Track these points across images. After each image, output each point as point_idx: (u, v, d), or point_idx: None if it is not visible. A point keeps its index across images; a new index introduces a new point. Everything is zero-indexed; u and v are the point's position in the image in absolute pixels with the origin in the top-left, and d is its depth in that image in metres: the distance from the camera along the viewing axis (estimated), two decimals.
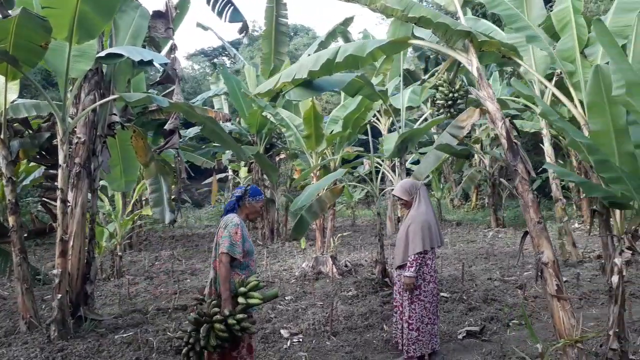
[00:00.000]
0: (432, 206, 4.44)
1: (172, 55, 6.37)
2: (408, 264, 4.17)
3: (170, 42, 6.55)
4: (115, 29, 5.71)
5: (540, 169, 10.07)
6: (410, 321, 4.21)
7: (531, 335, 3.34)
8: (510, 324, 5.34)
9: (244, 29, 8.33)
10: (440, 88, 4.17)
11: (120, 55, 5.14)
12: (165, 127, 6.20)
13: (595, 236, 10.44)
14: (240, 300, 3.22)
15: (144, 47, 6.23)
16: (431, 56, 17.51)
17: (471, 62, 3.78)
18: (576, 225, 12.25)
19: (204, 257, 9.81)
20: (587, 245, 9.24)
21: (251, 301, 3.22)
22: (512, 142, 3.42)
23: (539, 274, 3.24)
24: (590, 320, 5.21)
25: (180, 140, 8.33)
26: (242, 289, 3.25)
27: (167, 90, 7.40)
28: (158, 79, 6.49)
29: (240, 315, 3.15)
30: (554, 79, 6.69)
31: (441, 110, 4.19)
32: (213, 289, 3.44)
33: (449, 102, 4.15)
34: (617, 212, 3.19)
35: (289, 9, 11.16)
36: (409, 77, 10.23)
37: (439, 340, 4.43)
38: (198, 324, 3.22)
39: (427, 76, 8.56)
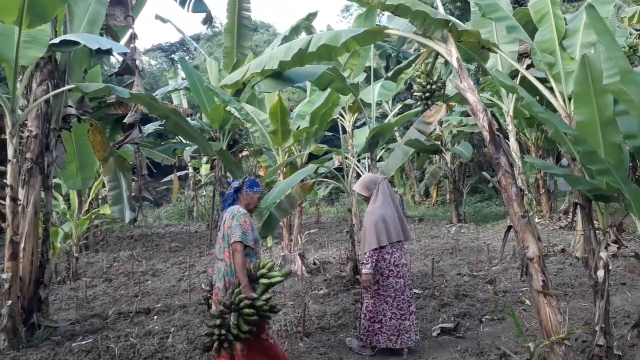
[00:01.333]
0: (395, 200, 4.37)
1: (131, 45, 6.03)
2: (364, 261, 4.19)
3: (130, 30, 6.20)
4: (70, 15, 5.32)
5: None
6: (365, 311, 4.29)
7: (519, 334, 3.27)
8: (483, 319, 5.32)
9: (208, 19, 8.02)
10: (417, 79, 4.05)
11: (76, 43, 4.79)
12: (124, 120, 5.85)
13: (555, 230, 10.71)
14: (263, 281, 3.33)
15: (101, 35, 5.86)
16: (392, 54, 17.60)
17: (450, 52, 3.67)
18: (536, 220, 12.52)
19: (165, 257, 9.43)
20: (549, 240, 9.42)
21: (274, 280, 3.34)
22: (494, 134, 3.34)
23: (525, 269, 3.16)
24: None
25: (140, 135, 7.95)
26: (263, 270, 3.35)
27: (127, 82, 7.02)
28: (117, 69, 6.12)
29: (267, 295, 3.33)
30: (519, 75, 6.73)
31: (419, 102, 4.07)
32: (226, 280, 3.48)
33: (427, 94, 4.04)
34: (601, 205, 3.15)
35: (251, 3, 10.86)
36: (373, 75, 10.13)
37: (415, 338, 4.34)
38: (223, 315, 3.29)
39: (390, 73, 8.49)
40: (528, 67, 6.61)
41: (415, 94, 4.12)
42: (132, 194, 6.31)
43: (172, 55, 34.51)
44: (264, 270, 3.34)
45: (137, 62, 5.91)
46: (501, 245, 3.80)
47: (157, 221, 15.89)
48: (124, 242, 11.79)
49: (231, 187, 3.77)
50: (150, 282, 7.57)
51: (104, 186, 7.71)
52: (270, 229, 6.14)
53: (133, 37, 5.98)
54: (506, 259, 8.17)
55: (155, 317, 5.56)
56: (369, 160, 6.54)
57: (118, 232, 13.30)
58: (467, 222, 13.34)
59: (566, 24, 3.84)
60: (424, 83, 4.02)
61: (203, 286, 6.94)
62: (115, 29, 6.39)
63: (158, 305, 6.06)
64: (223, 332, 3.24)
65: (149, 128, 12.23)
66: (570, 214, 10.93)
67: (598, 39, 2.54)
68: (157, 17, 12.06)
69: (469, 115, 12.23)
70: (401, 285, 4.27)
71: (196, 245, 10.88)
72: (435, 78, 4.04)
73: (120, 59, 6.33)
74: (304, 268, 7.30)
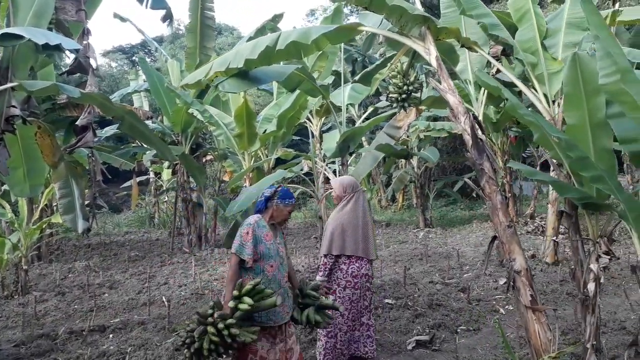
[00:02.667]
0: (366, 216, 4.10)
1: (84, 42, 5.58)
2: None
3: (83, 26, 5.75)
4: (13, 7, 4.85)
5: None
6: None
7: (508, 353, 3.05)
8: (459, 330, 5.14)
9: (168, 16, 7.61)
10: (393, 80, 3.82)
11: (20, 37, 4.33)
12: (77, 122, 5.40)
13: (523, 235, 10.73)
14: (230, 304, 2.93)
15: (50, 30, 5.40)
16: (358, 59, 17.50)
17: (429, 51, 3.46)
18: None
19: (124, 267, 8.92)
20: None
21: (240, 306, 2.90)
22: (477, 138, 3.13)
23: (512, 283, 2.95)
24: None
25: (96, 139, 7.47)
26: (235, 292, 2.96)
27: (80, 82, 6.56)
28: (68, 67, 5.67)
29: (230, 320, 2.87)
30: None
31: (394, 104, 3.83)
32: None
33: (403, 96, 3.81)
34: (590, 214, 2.98)
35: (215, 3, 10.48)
36: (338, 80, 9.94)
37: (365, 349, 4.11)
38: (199, 324, 2.99)
39: (357, 77, 8.31)
40: (498, 72, 6.53)
41: (390, 95, 3.88)
42: (86, 202, 5.85)
43: (134, 57, 33.54)
44: (236, 293, 2.96)
45: (91, 59, 5.47)
46: (486, 256, 3.60)
47: (116, 229, 15.22)
48: (81, 251, 11.17)
49: (262, 195, 3.40)
50: (107, 295, 7.09)
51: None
52: None
53: (86, 32, 5.53)
54: (476, 265, 8.08)
55: (111, 335, 5.14)
56: (340, 165, 6.29)
57: (75, 241, 12.62)
58: (434, 227, 13.31)
59: (546, 24, 3.69)
60: (400, 84, 3.79)
61: (164, 299, 6.60)
62: (67, 25, 5.93)
63: (115, 321, 5.63)
64: (187, 340, 2.97)
65: (108, 131, 11.66)
66: (540, 220, 11.00)
67: (595, 34, 2.35)
68: (116, 15, 11.50)
69: (435, 120, 12.18)
70: (357, 296, 4.03)
71: (157, 254, 10.37)
72: (411, 79, 3.82)
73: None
74: None
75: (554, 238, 7.51)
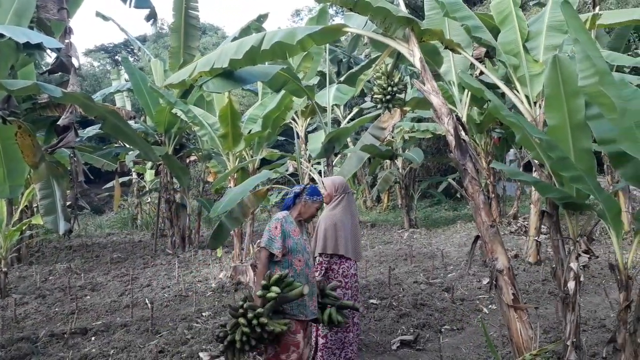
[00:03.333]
0: (355, 218, 4.16)
1: (66, 40, 5.53)
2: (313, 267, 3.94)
3: (65, 25, 5.69)
4: None
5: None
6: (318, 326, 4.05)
7: (491, 352, 3.08)
8: (443, 329, 5.19)
9: (152, 16, 7.54)
10: (377, 81, 3.83)
11: (0, 35, 4.30)
12: (58, 122, 5.34)
13: (506, 235, 10.85)
14: (259, 293, 3.06)
15: (31, 29, 5.33)
16: (344, 59, 17.55)
17: (413, 52, 3.48)
18: None
19: (106, 269, 8.82)
20: None
21: (268, 295, 3.02)
22: (460, 139, 3.16)
23: (494, 282, 2.99)
24: None
25: (78, 139, 7.37)
26: (263, 282, 3.08)
27: (62, 81, 6.47)
28: (50, 66, 5.60)
29: (259, 310, 2.97)
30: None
31: (379, 105, 3.85)
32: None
33: (387, 97, 3.83)
34: (570, 214, 3.03)
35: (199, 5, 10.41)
36: (323, 80, 9.96)
37: (356, 350, 4.14)
38: (232, 318, 3.12)
39: (342, 78, 8.34)
40: (481, 73, 6.60)
41: (375, 96, 3.90)
42: (67, 203, 5.77)
43: (116, 57, 33.16)
44: (264, 282, 3.07)
45: (73, 59, 5.42)
46: (469, 256, 3.63)
47: (98, 230, 15.03)
48: (62, 253, 10.99)
49: (291, 192, 3.52)
50: (88, 297, 7.00)
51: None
52: (220, 240, 5.75)
53: (68, 31, 5.49)
54: (460, 265, 8.15)
55: (93, 338, 5.07)
56: (325, 166, 6.29)
57: (56, 243, 12.43)
58: (419, 227, 13.38)
59: (528, 27, 3.74)
60: (384, 85, 3.81)
61: (147, 301, 6.53)
62: (49, 23, 5.86)
63: (97, 323, 5.56)
64: (221, 334, 3.09)
65: (90, 131, 11.52)
66: (523, 220, 11.14)
67: (574, 37, 2.40)
68: (98, 14, 11.37)
69: (420, 121, 12.26)
70: (348, 297, 4.04)
71: (140, 255, 10.26)
72: (396, 80, 3.84)
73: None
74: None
75: (536, 238, 7.61)
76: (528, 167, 11.85)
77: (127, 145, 10.75)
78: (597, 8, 8.74)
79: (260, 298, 3.03)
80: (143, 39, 30.73)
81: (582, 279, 2.90)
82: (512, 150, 13.68)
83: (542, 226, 8.22)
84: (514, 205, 12.72)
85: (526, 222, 10.55)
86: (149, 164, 13.69)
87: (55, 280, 8.11)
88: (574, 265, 2.89)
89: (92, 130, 11.36)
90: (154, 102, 9.90)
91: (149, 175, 15.01)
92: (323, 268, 4.01)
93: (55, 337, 5.07)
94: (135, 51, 32.51)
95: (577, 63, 2.44)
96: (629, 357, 2.63)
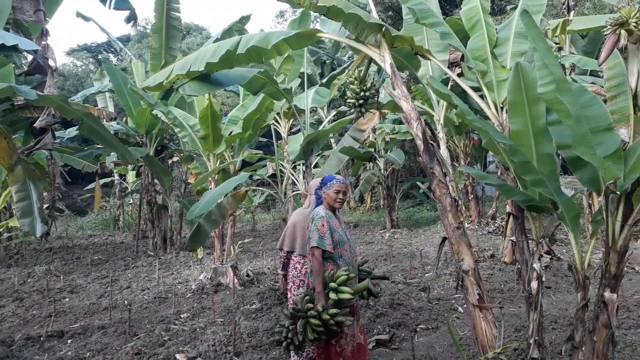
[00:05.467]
0: None
1: (43, 42, 5.51)
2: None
3: (42, 26, 5.67)
4: None
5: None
6: None
7: (458, 350, 3.17)
8: (418, 329, 5.27)
9: (132, 18, 7.53)
10: (351, 86, 3.91)
11: None
12: (35, 124, 5.33)
13: (484, 235, 11.01)
14: (332, 296, 3.25)
15: (7, 30, 5.31)
16: (327, 61, 17.63)
17: (384, 58, 3.55)
18: (466, 225, 12.86)
19: (86, 271, 8.77)
20: (479, 245, 9.63)
21: (342, 296, 3.24)
22: (429, 143, 3.24)
23: (460, 282, 3.07)
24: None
25: (57, 140, 7.33)
26: (333, 285, 3.26)
27: (41, 82, 6.44)
28: (26, 68, 5.58)
29: (333, 310, 3.20)
30: (450, 83, 6.80)
31: (352, 110, 3.92)
32: (309, 281, 3.51)
33: (360, 101, 3.90)
34: (534, 215, 3.12)
35: (183, 6, 10.43)
36: (307, 81, 10.01)
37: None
38: (294, 318, 3.30)
39: (324, 80, 8.41)
40: (458, 77, 6.71)
41: (348, 100, 3.97)
42: (45, 206, 5.75)
43: (99, 56, 32.84)
44: (334, 285, 3.25)
45: (50, 60, 5.40)
46: (436, 256, 3.73)
47: (79, 232, 14.90)
48: (42, 255, 10.90)
49: (315, 192, 3.86)
50: (67, 299, 6.97)
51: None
52: (198, 242, 5.76)
53: (45, 33, 5.47)
54: (439, 264, 8.26)
55: (70, 340, 5.07)
56: (304, 168, 6.35)
57: (35, 245, 12.31)
58: (400, 228, 13.50)
59: (497, 33, 3.84)
60: (357, 90, 3.88)
61: (126, 303, 6.53)
62: (26, 25, 5.84)
63: (74, 326, 5.55)
64: (290, 335, 3.28)
65: (70, 132, 11.42)
66: (501, 221, 11.30)
67: (533, 46, 2.49)
68: (79, 14, 11.31)
69: (401, 123, 12.38)
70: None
71: (121, 257, 10.22)
72: (368, 85, 3.91)
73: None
74: (236, 281, 6.98)
75: (512, 238, 7.74)
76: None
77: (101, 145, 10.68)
78: (572, 13, 8.93)
79: (329, 297, 3.25)
80: (127, 39, 30.52)
81: (543, 278, 2.99)
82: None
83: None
84: (493, 205, 12.90)
85: (504, 223, 10.71)
86: (131, 165, 13.62)
87: (34, 283, 8.05)
88: (536, 265, 2.99)
89: (74, 131, 11.27)
90: (135, 103, 9.87)
91: (131, 176, 14.94)
92: (282, 262, 4.26)
93: (31, 340, 5.05)
94: (119, 51, 32.24)
95: (536, 71, 2.53)
96: (587, 354, 2.73)
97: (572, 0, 8.71)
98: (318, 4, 3.53)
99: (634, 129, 2.59)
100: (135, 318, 5.70)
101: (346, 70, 4.33)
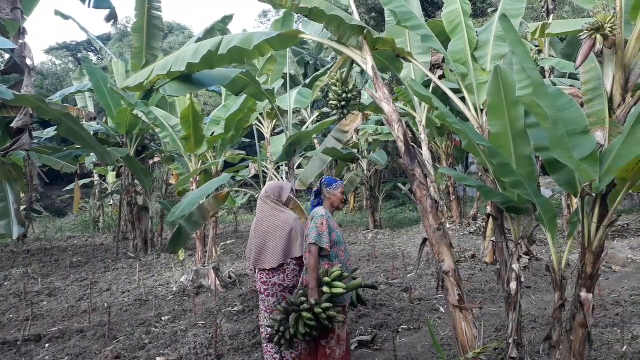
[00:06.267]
0: (259, 222, 3.97)
1: (20, 41, 5.41)
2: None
3: (19, 25, 5.56)
4: None
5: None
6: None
7: (437, 350, 3.19)
8: (400, 329, 5.29)
9: (112, 16, 7.42)
10: (332, 87, 3.91)
11: None
12: (11, 124, 5.22)
13: (465, 235, 11.12)
14: (325, 289, 3.34)
15: None
16: (310, 62, 17.62)
17: (365, 60, 3.56)
18: (447, 225, 12.96)
19: (65, 274, 8.63)
20: (460, 245, 9.73)
21: (335, 290, 3.33)
22: (409, 145, 3.26)
23: (440, 283, 3.10)
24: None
25: (35, 140, 7.19)
26: (326, 279, 3.36)
27: (19, 80, 6.31)
28: (2, 67, 5.47)
29: (325, 304, 3.29)
30: (431, 85, 6.86)
31: (334, 111, 3.92)
32: (304, 278, 3.56)
33: (342, 103, 3.91)
34: (513, 216, 3.16)
35: (165, 4, 10.32)
36: (290, 82, 9.98)
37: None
38: (287, 313, 3.35)
39: (307, 80, 8.40)
40: (440, 78, 6.77)
41: (330, 102, 3.97)
42: (22, 207, 5.64)
43: (79, 55, 32.34)
44: (327, 279, 3.35)
45: (27, 59, 5.31)
46: (417, 257, 3.75)
47: (58, 233, 14.66)
48: (19, 257, 10.70)
49: (312, 194, 3.86)
50: (45, 302, 6.84)
51: None
52: (179, 244, 5.70)
53: (22, 31, 5.37)
54: (420, 265, 8.31)
55: (47, 344, 4.98)
56: (287, 169, 6.34)
57: (12, 247, 12.08)
58: (383, 228, 13.56)
59: (477, 36, 3.88)
60: (339, 91, 3.88)
61: (105, 305, 6.44)
62: (2, 23, 5.72)
63: (52, 330, 5.46)
64: (281, 328, 3.34)
65: (49, 132, 11.23)
66: (482, 221, 11.42)
67: (511, 49, 2.52)
68: (57, 12, 11.12)
69: (383, 124, 12.44)
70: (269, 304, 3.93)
71: (101, 259, 10.08)
72: (350, 86, 3.92)
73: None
74: (218, 282, 6.93)
75: (492, 239, 7.83)
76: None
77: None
78: (551, 17, 9.07)
79: (323, 292, 3.32)
80: (107, 37, 30.11)
81: (522, 279, 3.04)
82: None
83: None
84: (474, 206, 13.03)
85: (485, 223, 10.82)
86: (110, 165, 13.44)
87: (10, 286, 7.90)
88: (515, 266, 3.03)
89: (52, 131, 11.08)
90: (115, 103, 9.75)
91: (111, 177, 14.75)
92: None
93: (7, 344, 4.96)
94: (99, 50, 31.81)
95: (514, 74, 2.57)
96: (565, 353, 2.78)
97: (551, 3, 8.84)
98: (300, 5, 3.53)
99: (609, 132, 2.64)
100: (115, 321, 5.62)
101: (328, 72, 4.33)
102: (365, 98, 7.68)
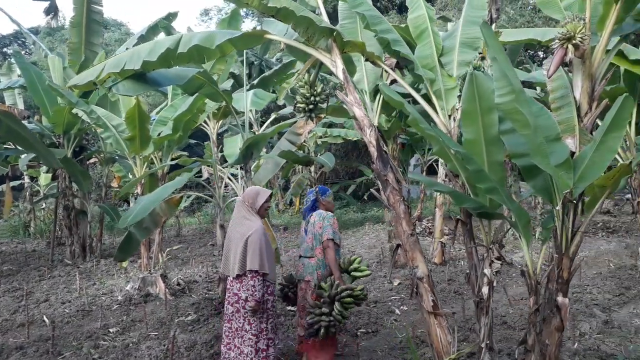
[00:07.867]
0: (231, 228, 3.88)
1: None
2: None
3: None
4: None
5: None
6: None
7: (412, 354, 3.18)
8: (358, 333, 5.28)
9: (52, 9, 6.95)
10: (300, 90, 3.82)
11: None
12: None
13: (428, 239, 11.32)
14: (356, 274, 4.01)
15: None
16: (255, 62, 17.40)
17: (335, 63, 3.52)
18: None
19: None
20: None
21: (365, 273, 4.07)
22: (382, 150, 3.24)
23: (415, 289, 3.08)
24: None
25: None
26: (355, 265, 4.04)
27: None
28: None
29: (360, 286, 3.90)
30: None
31: (302, 115, 3.84)
32: (319, 273, 4.03)
33: (310, 106, 3.83)
34: (484, 222, 3.21)
35: None
36: (236, 83, 9.78)
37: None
38: (332, 302, 3.77)
39: (255, 82, 8.26)
40: (392, 83, 6.84)
41: (297, 105, 3.88)
42: None
43: (4, 49, 30.27)
44: (355, 265, 4.00)
45: None
46: (390, 264, 3.74)
47: None
48: None
49: (309, 199, 4.30)
50: None
51: None
52: (129, 252, 5.36)
53: None
54: (371, 267, 8.35)
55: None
56: (243, 172, 6.17)
57: None
58: None
59: (442, 42, 3.92)
60: (307, 94, 3.80)
61: (45, 318, 5.99)
62: None
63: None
64: (330, 318, 3.71)
65: None
66: (427, 222, 11.68)
67: (492, 56, 2.55)
68: None
69: (331, 127, 12.47)
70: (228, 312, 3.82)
71: (35, 267, 9.40)
72: (318, 90, 3.85)
73: None
74: (167, 290, 6.64)
75: (442, 240, 8.02)
76: (431, 171, 12.53)
77: (20, 148, 9.82)
78: (494, 25, 9.42)
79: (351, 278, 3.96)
80: (36, 31, 28.37)
81: (494, 284, 3.09)
82: (415, 155, 14.38)
83: (445, 228, 8.69)
84: (417, 207, 13.32)
85: (430, 224, 11.07)
86: (44, 167, 12.63)
87: None
88: (487, 271, 3.07)
89: None
90: (50, 101, 9.14)
91: (44, 179, 13.84)
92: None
93: None
94: (26, 44, 29.95)
95: (494, 81, 2.59)
96: (537, 356, 2.84)
97: (495, 13, 9.17)
98: (268, 5, 3.41)
99: (579, 140, 2.73)
100: (58, 335, 5.23)
101: (296, 74, 4.24)
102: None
